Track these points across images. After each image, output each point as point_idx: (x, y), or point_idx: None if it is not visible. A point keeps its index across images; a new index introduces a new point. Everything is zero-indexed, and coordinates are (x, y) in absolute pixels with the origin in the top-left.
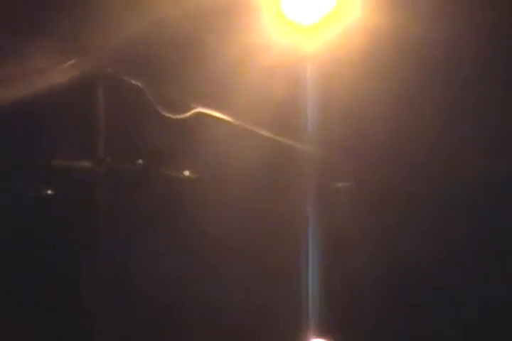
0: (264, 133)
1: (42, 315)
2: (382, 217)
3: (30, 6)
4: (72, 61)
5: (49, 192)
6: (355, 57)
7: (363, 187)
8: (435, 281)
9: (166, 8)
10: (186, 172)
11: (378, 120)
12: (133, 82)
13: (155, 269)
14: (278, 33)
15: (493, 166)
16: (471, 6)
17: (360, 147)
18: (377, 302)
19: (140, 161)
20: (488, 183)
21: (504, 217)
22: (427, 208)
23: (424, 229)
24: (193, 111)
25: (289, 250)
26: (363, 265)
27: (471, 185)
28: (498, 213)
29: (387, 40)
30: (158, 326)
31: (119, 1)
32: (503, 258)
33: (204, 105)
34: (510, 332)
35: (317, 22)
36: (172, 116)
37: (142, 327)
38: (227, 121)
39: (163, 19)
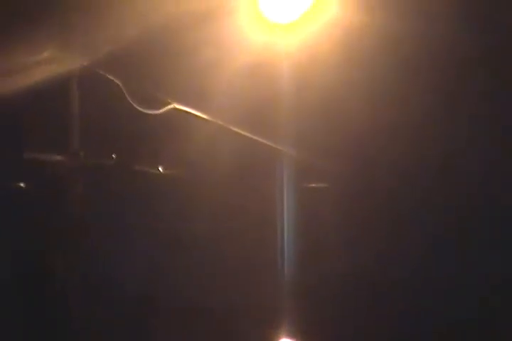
0: (240, 131)
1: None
2: (358, 217)
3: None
4: (48, 54)
5: (21, 185)
6: (332, 56)
7: (339, 188)
8: (410, 281)
9: (146, 8)
10: (160, 168)
11: (357, 119)
12: (109, 76)
13: (131, 264)
14: (255, 31)
15: (472, 165)
16: (448, 4)
17: (337, 146)
18: (353, 302)
19: (114, 156)
20: (470, 184)
21: (483, 216)
22: (406, 208)
23: (403, 229)
24: (168, 107)
25: (262, 249)
26: (339, 265)
27: (450, 183)
28: (476, 213)
29: (365, 38)
30: (138, 320)
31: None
32: (478, 258)
33: (180, 102)
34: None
35: (294, 20)
36: (147, 112)
37: (122, 323)
38: (203, 118)
39: (142, 18)
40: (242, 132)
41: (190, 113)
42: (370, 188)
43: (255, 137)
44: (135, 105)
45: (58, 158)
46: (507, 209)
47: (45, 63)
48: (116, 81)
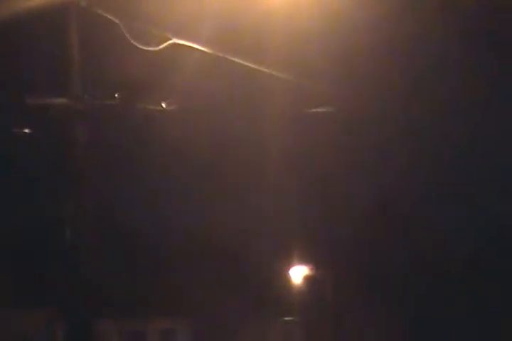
0: (239, 60)
1: (31, 255)
2: (362, 144)
3: None
4: None
5: (26, 131)
6: None
7: (344, 114)
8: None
9: None
10: (163, 104)
11: (361, 46)
12: (107, 16)
13: (137, 201)
14: None
15: None
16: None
17: (341, 73)
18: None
19: (117, 95)
20: None
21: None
22: (408, 137)
23: (406, 160)
24: (167, 43)
25: (264, 177)
26: (342, 202)
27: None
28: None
29: None
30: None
31: None
32: None
33: (178, 36)
34: None
35: None
36: (147, 49)
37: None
38: (202, 51)
39: None
40: (242, 61)
41: (189, 46)
42: (376, 115)
43: (255, 66)
44: (135, 43)
45: (62, 101)
46: None
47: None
48: (115, 20)
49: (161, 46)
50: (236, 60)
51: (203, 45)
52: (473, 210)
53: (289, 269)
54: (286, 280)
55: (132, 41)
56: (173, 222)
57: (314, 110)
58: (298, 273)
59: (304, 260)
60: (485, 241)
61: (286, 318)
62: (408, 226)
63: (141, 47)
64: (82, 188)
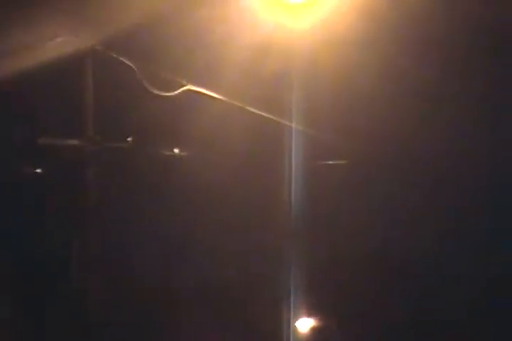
0: (253, 110)
1: (34, 294)
2: (374, 195)
3: None
4: (63, 37)
5: (37, 170)
6: (344, 35)
7: (356, 165)
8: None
9: None
10: (176, 150)
11: (371, 96)
12: (123, 60)
13: (146, 248)
14: (267, 11)
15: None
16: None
17: (352, 124)
18: (361, 282)
19: (130, 139)
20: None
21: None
22: (422, 186)
23: (419, 209)
24: (183, 89)
25: (274, 228)
26: (349, 246)
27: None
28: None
29: (378, 18)
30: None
31: None
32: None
33: (194, 83)
34: None
35: (307, 0)
36: (162, 94)
37: (133, 302)
38: (216, 98)
39: (153, 2)
40: (256, 111)
41: (204, 93)
42: (387, 166)
43: (269, 115)
44: (149, 88)
45: (75, 142)
46: None
47: (59, 48)
48: (130, 64)
49: (176, 92)
50: (251, 109)
51: (218, 93)
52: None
53: (296, 319)
54: (293, 330)
55: (147, 86)
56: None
57: (327, 162)
58: (304, 323)
59: (310, 309)
60: None
61: None
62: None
63: (156, 92)
64: (90, 230)
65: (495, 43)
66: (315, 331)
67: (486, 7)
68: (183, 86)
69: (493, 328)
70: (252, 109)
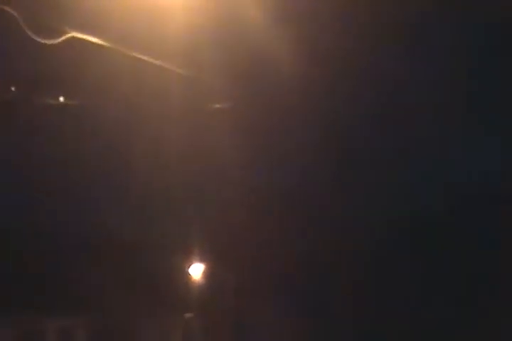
0: (138, 55)
1: None
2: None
3: None
4: None
5: None
6: None
7: (241, 108)
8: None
9: None
10: (61, 99)
11: (258, 39)
12: (4, 8)
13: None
14: None
15: None
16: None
17: (236, 67)
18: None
19: (13, 89)
20: None
21: None
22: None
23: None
24: (66, 36)
25: (162, 173)
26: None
27: None
28: None
29: None
30: None
31: None
32: None
33: (77, 30)
34: None
35: None
36: (46, 42)
37: None
38: (101, 45)
39: None
40: (140, 56)
41: (88, 40)
42: (273, 110)
43: (154, 61)
44: (32, 36)
45: None
46: None
47: None
48: (12, 12)
49: (60, 39)
50: (135, 54)
51: (103, 40)
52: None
53: (190, 266)
54: (187, 276)
55: (30, 34)
56: (69, 219)
57: (212, 106)
58: (198, 270)
59: (204, 256)
60: None
61: (187, 315)
62: (316, 215)
63: (39, 40)
64: None
65: None
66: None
67: None
68: (67, 33)
69: None
70: (137, 55)
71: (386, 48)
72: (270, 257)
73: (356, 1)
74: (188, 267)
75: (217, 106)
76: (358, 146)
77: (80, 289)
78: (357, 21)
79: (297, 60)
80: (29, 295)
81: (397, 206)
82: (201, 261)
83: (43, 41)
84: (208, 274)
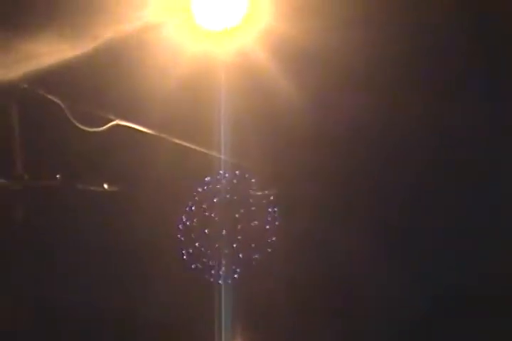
0: (179, 142)
1: None
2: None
3: None
4: None
5: None
6: (267, 63)
7: (285, 195)
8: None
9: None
10: (105, 185)
11: (296, 124)
12: (49, 97)
13: (75, 283)
14: (190, 40)
15: None
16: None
17: (280, 153)
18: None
19: (58, 176)
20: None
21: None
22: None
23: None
24: (111, 124)
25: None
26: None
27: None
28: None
29: (298, 46)
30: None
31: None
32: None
33: (121, 117)
34: None
35: (229, 28)
36: (90, 130)
37: None
38: (144, 132)
39: (79, 39)
40: (182, 143)
41: (132, 128)
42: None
43: (196, 147)
44: (77, 124)
45: (2, 181)
46: None
47: None
48: (57, 101)
49: (104, 127)
50: (178, 141)
51: (146, 127)
52: None
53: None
54: None
55: (75, 122)
56: None
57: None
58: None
59: None
60: None
61: None
62: None
63: (83, 128)
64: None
65: None
66: None
67: None
68: (111, 121)
69: None
70: (178, 141)
71: None
72: None
73: None
74: None
75: (260, 193)
76: None
77: None
78: None
79: None
80: None
81: None
82: None
83: (87, 129)
84: None
